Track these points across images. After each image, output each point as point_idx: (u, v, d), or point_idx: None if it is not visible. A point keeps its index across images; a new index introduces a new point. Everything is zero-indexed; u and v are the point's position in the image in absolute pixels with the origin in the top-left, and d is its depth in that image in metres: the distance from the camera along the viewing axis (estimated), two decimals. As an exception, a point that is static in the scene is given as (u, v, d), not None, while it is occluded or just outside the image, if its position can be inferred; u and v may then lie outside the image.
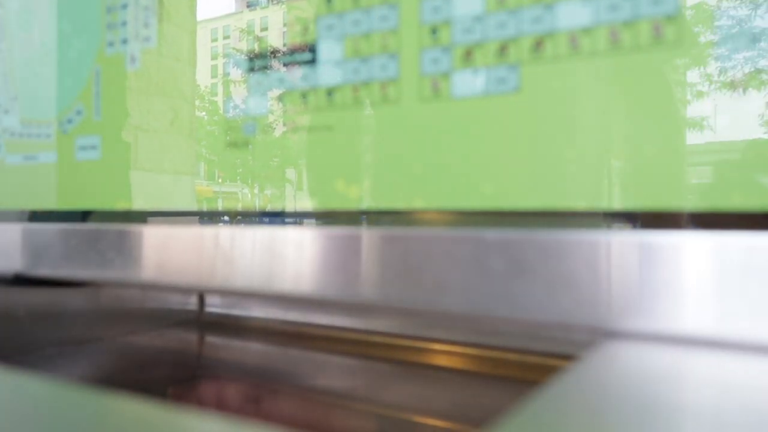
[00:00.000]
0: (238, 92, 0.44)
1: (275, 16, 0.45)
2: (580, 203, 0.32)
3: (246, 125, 0.44)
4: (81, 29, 0.52)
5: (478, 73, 0.35)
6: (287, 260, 0.37)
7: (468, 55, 0.35)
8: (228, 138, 0.45)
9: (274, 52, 0.43)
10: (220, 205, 0.50)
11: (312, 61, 0.40)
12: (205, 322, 0.66)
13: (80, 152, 0.52)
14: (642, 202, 0.30)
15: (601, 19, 0.31)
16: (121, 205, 0.50)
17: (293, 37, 0.41)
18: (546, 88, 0.33)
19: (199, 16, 0.49)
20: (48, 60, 0.55)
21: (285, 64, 0.42)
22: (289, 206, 0.44)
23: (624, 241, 0.27)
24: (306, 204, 0.42)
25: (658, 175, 0.30)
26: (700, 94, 0.30)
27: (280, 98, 0.42)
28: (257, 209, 0.47)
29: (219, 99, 0.45)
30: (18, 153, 0.57)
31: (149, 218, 0.52)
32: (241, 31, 0.46)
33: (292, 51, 0.41)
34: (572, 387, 0.21)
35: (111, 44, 0.50)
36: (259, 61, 0.43)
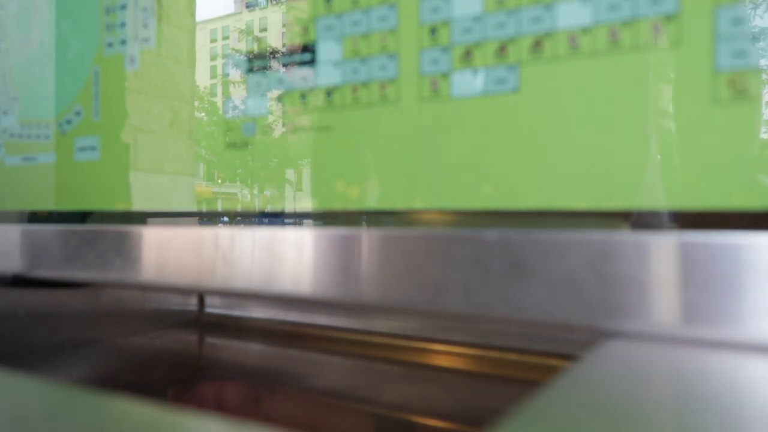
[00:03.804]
0: (238, 93, 0.44)
1: (274, 17, 0.45)
2: (580, 203, 0.32)
3: (245, 126, 0.44)
4: (80, 30, 0.52)
5: (477, 73, 0.35)
6: (287, 261, 0.37)
7: (467, 55, 0.35)
8: (227, 138, 0.45)
9: (274, 53, 0.43)
10: (220, 206, 0.50)
11: (311, 62, 0.40)
12: (205, 323, 0.66)
13: (79, 153, 0.52)
14: (642, 202, 0.30)
15: (600, 18, 0.31)
16: (120, 206, 0.50)
17: (292, 38, 0.41)
18: (545, 88, 0.33)
19: (198, 17, 0.49)
20: (47, 61, 0.55)
21: (284, 65, 0.42)
22: (289, 207, 0.44)
23: (624, 240, 0.27)
24: (306, 204, 0.42)
25: (658, 174, 0.30)
26: (699, 93, 0.30)
27: (279, 99, 0.42)
28: (257, 210, 0.46)
29: (218, 99, 0.45)
30: (17, 154, 0.57)
31: (149, 219, 0.52)
32: (241, 31, 0.46)
33: (292, 51, 0.41)
34: (572, 387, 0.21)
35: (110, 45, 0.50)
36: (258, 61, 0.43)
